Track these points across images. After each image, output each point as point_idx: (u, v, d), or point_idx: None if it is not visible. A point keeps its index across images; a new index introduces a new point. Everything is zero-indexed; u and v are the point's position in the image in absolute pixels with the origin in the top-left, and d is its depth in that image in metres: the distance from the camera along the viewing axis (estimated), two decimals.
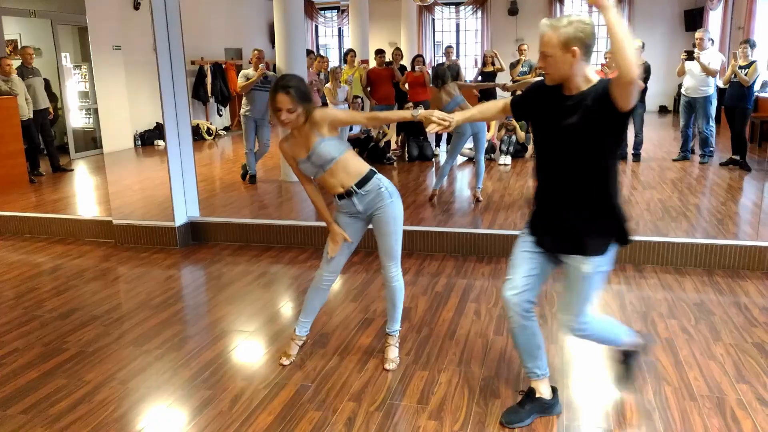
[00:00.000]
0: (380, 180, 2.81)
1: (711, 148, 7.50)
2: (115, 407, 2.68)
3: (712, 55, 7.25)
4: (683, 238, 4.39)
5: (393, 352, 3.01)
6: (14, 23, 9.41)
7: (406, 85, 8.48)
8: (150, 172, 8.09)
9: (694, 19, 12.78)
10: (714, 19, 12.17)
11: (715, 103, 7.43)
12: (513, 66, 8.76)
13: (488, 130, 8.28)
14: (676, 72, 7.57)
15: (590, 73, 2.18)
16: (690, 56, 7.27)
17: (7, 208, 5.85)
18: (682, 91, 7.66)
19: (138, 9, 5.10)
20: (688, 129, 7.68)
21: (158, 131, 8.87)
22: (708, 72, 7.17)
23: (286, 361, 3.01)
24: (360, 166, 2.80)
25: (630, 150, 7.84)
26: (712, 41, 7.59)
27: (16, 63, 7.83)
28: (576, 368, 2.91)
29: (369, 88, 8.57)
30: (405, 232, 4.69)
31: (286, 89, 2.64)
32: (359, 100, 8.44)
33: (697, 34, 7.34)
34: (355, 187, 2.76)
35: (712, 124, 7.45)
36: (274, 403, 2.67)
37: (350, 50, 9.30)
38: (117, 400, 2.73)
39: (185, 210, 5.09)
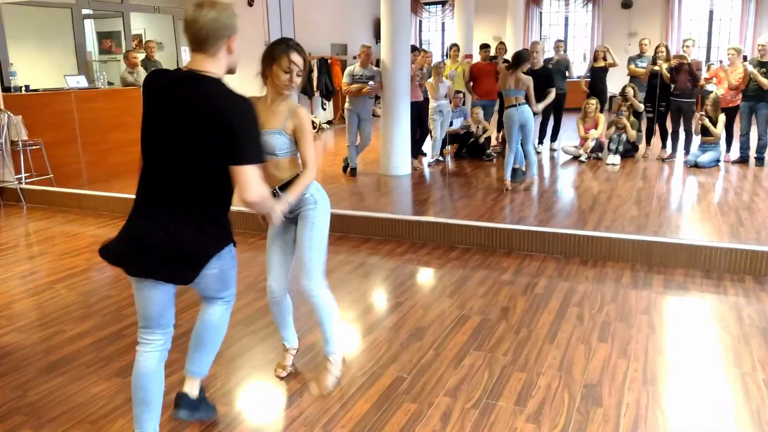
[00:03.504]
0: (308, 187, 2.57)
1: None
2: (223, 382, 2.83)
3: None
4: None
5: (327, 378, 2.70)
6: (140, 19, 10.12)
7: None
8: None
9: None
10: None
11: None
12: (631, 60, 8.37)
13: (596, 128, 7.97)
14: None
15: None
16: None
17: (130, 191, 6.29)
18: None
19: (252, 6, 5.32)
20: None
21: None
22: None
23: (282, 373, 2.87)
24: (291, 171, 2.56)
25: (753, 153, 7.28)
26: None
27: (140, 56, 8.42)
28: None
29: (471, 83, 8.48)
30: (504, 231, 4.66)
31: (301, 51, 2.52)
32: (461, 94, 8.38)
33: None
34: (278, 189, 2.52)
35: None
36: (371, 391, 2.72)
37: (454, 45, 9.25)
38: (224, 376, 2.88)
39: None
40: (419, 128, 7.56)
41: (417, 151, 7.63)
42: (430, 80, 7.70)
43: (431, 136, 7.91)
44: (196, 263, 2.12)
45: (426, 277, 4.27)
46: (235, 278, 2.40)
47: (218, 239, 2.17)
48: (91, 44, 9.67)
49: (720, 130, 7.27)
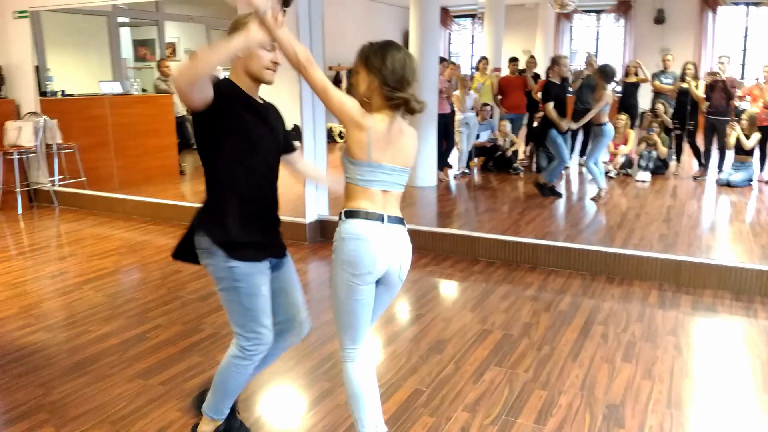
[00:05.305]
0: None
1: None
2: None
3: None
4: None
5: None
6: (174, 27, 10.33)
7: (539, 94, 8.26)
8: (285, 171, 8.51)
9: None
10: None
11: None
12: (655, 76, 8.27)
13: (626, 144, 7.87)
14: None
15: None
16: None
17: (160, 195, 6.42)
18: None
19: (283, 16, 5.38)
20: None
21: (294, 132, 9.36)
22: None
23: None
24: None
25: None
26: None
27: (173, 64, 8.57)
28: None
29: (500, 96, 8.45)
30: (529, 245, 4.62)
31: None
32: (489, 107, 8.35)
33: None
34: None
35: None
36: (389, 403, 2.70)
37: (483, 57, 9.24)
38: None
39: (315, 208, 5.31)
40: (446, 140, 7.55)
41: (443, 163, 7.62)
42: (457, 92, 7.70)
43: (458, 149, 7.90)
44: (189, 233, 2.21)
45: (448, 289, 4.25)
46: (248, 317, 2.09)
47: (205, 220, 2.19)
48: (127, 52, 9.89)
49: (753, 144, 7.12)
